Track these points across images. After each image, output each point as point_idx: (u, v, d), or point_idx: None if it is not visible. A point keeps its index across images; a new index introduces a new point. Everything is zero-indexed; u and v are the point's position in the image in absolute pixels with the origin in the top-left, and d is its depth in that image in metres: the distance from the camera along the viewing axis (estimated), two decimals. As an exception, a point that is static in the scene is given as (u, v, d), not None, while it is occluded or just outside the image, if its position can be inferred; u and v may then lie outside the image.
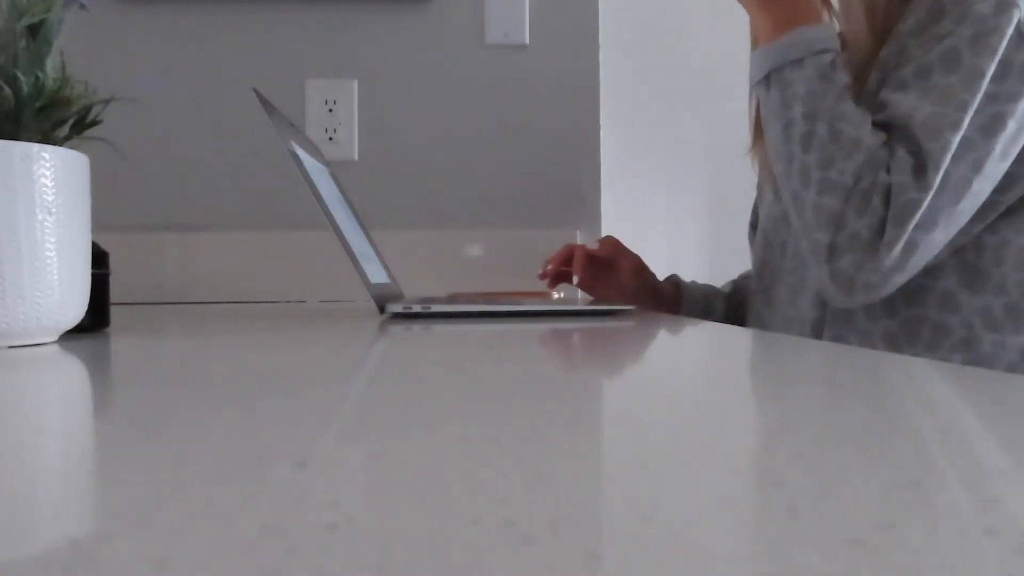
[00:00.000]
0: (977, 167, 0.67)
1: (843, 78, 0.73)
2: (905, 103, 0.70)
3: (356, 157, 1.37)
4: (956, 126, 0.67)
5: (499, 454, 0.16)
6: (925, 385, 0.26)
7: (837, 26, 0.85)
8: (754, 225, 1.02)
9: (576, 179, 1.40)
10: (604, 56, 1.41)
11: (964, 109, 0.67)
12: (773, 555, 0.10)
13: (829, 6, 0.86)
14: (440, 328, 0.56)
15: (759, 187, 0.98)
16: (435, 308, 0.70)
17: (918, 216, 0.67)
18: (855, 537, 0.11)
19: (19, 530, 0.11)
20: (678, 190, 1.69)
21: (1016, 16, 0.67)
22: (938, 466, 0.15)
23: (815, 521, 0.12)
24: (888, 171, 0.69)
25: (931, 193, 0.67)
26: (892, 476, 0.14)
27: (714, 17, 1.56)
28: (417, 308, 0.70)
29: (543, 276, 1.04)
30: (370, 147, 1.38)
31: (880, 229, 0.68)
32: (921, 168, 0.67)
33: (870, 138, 0.70)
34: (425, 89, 1.38)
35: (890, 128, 0.71)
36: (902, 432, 0.18)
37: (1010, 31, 0.67)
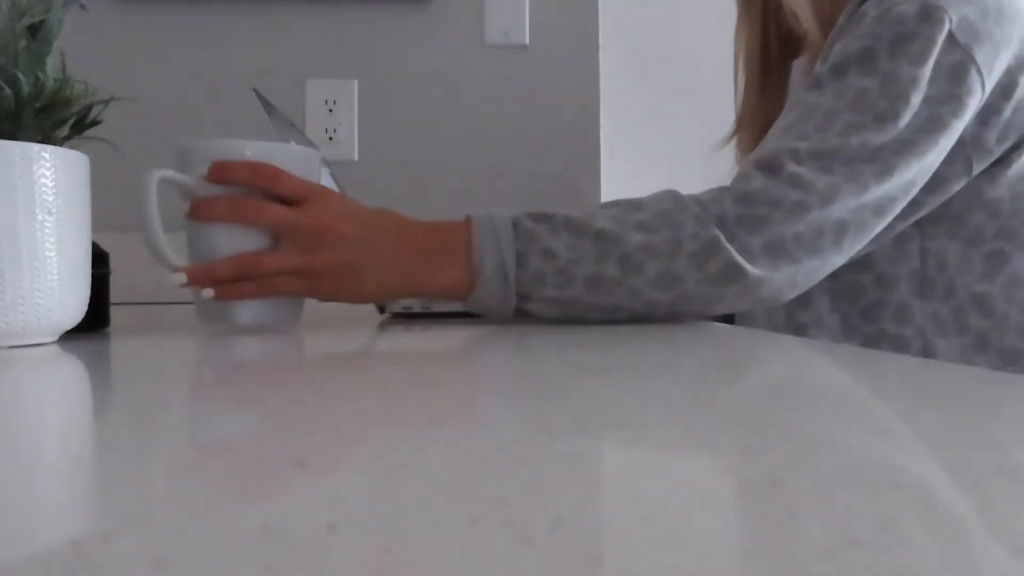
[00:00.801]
0: (919, 158, 0.64)
1: (544, 215, 0.60)
2: (820, 108, 0.65)
3: (356, 157, 1.37)
4: (875, 132, 0.63)
5: (499, 454, 0.16)
6: (925, 385, 0.26)
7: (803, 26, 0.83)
8: None
9: (576, 179, 1.40)
10: (604, 56, 1.41)
11: (883, 119, 0.63)
12: (773, 555, 0.10)
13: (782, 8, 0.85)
14: (440, 328, 0.56)
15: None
16: (435, 308, 0.70)
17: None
18: (855, 537, 0.11)
19: (19, 530, 0.11)
20: (678, 190, 1.69)
21: (947, 24, 0.65)
22: (938, 466, 0.15)
23: (815, 521, 0.12)
24: (742, 183, 0.61)
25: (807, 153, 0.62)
26: (892, 476, 0.14)
27: (714, 17, 1.56)
28: (417, 308, 0.70)
29: None
30: (370, 147, 1.38)
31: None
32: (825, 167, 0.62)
33: (671, 204, 0.60)
34: (425, 89, 1.38)
35: (792, 129, 0.65)
36: (902, 432, 0.18)
37: (940, 37, 0.65)
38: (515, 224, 0.59)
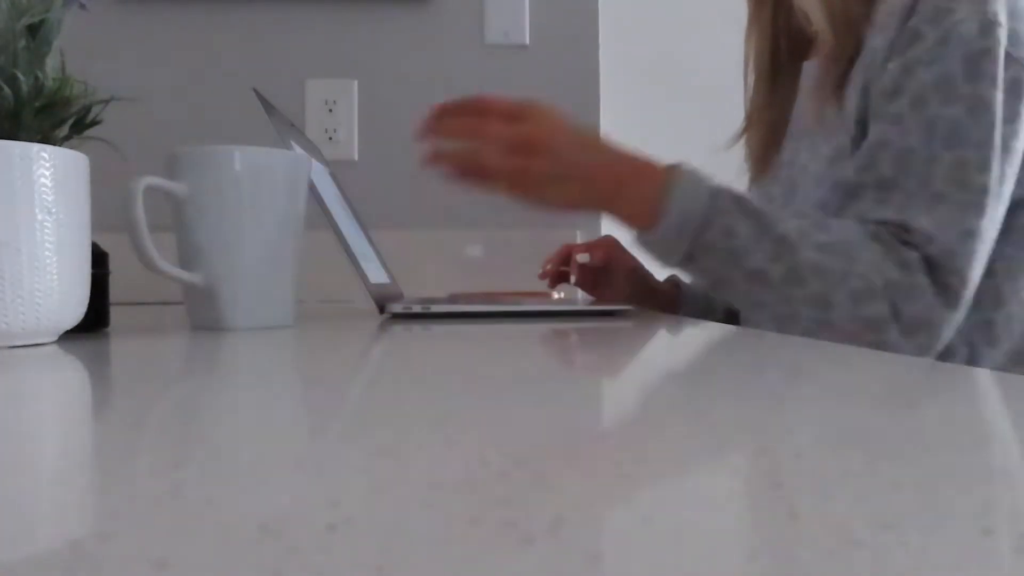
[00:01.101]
0: (1002, 179, 0.66)
1: (755, 202, 0.65)
2: (917, 153, 0.65)
3: (356, 157, 1.37)
4: (983, 167, 0.64)
5: (499, 454, 0.16)
6: (925, 385, 0.26)
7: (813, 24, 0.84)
8: None
9: (576, 179, 1.40)
10: (604, 56, 1.41)
11: (983, 147, 0.64)
12: (773, 555, 0.10)
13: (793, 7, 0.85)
14: (440, 328, 0.56)
15: (748, 190, 0.98)
16: (435, 308, 0.70)
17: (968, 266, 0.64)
18: (855, 537, 0.11)
19: (19, 530, 0.11)
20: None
21: (1002, 35, 0.66)
22: (938, 466, 0.15)
23: (815, 521, 0.12)
24: (906, 251, 0.63)
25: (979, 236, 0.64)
26: (892, 476, 0.14)
27: (714, 17, 1.56)
28: (417, 308, 0.70)
29: (543, 276, 1.04)
30: (370, 147, 1.38)
31: (933, 300, 0.63)
32: (948, 215, 0.63)
33: (866, 256, 0.63)
34: (425, 89, 1.38)
35: (883, 180, 0.67)
36: (902, 432, 0.18)
37: (1001, 49, 0.65)
38: (713, 193, 0.63)
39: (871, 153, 0.69)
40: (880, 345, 0.63)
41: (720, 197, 0.63)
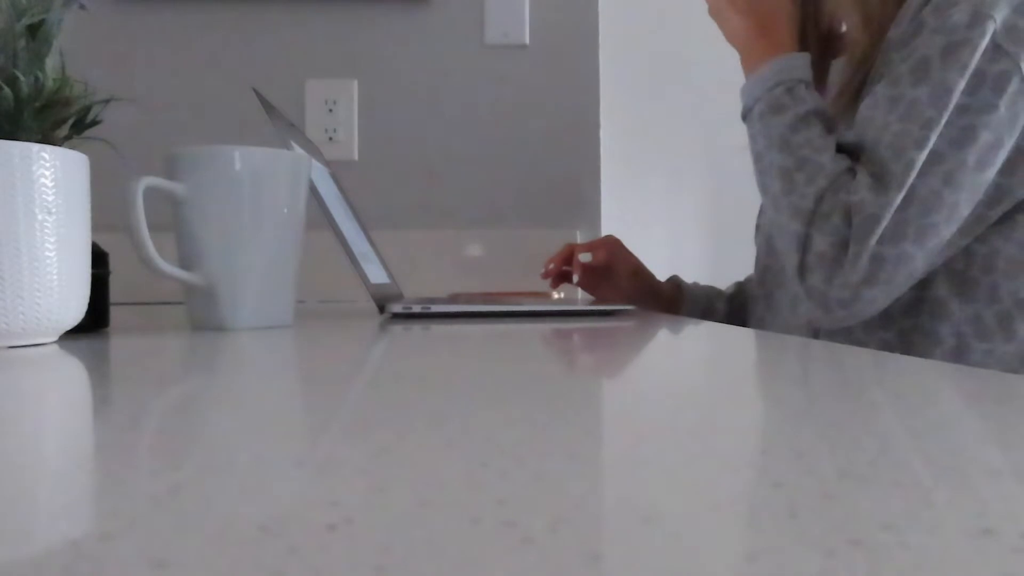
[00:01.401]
0: (948, 179, 0.68)
1: (802, 106, 0.77)
2: (874, 122, 0.72)
3: (356, 157, 1.37)
4: (920, 144, 0.68)
5: (499, 454, 0.16)
6: (925, 385, 0.26)
7: (844, 27, 0.86)
8: (760, 226, 1.02)
9: (576, 179, 1.40)
10: (604, 56, 1.41)
11: (929, 127, 0.68)
12: (773, 555, 0.10)
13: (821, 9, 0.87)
14: (440, 328, 0.56)
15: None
16: (435, 308, 0.70)
17: (879, 230, 0.69)
18: (855, 537, 0.11)
19: (19, 530, 0.11)
20: (678, 190, 1.69)
21: (991, 28, 0.67)
22: (938, 466, 0.15)
23: (815, 521, 0.12)
24: (849, 192, 0.71)
25: (892, 208, 0.68)
26: (892, 476, 0.14)
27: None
28: (417, 308, 0.70)
29: (546, 276, 1.04)
30: (370, 147, 1.38)
31: (843, 246, 0.71)
32: (882, 186, 0.69)
33: (832, 163, 0.73)
34: (425, 89, 1.38)
35: (859, 149, 0.73)
36: (902, 432, 0.18)
37: (983, 43, 0.67)
38: (792, 87, 0.79)
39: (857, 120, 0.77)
40: (803, 269, 0.73)
41: (797, 89, 0.79)
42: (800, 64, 0.80)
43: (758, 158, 0.80)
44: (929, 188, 0.68)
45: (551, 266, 1.03)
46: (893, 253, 0.69)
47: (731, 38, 0.86)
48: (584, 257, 0.99)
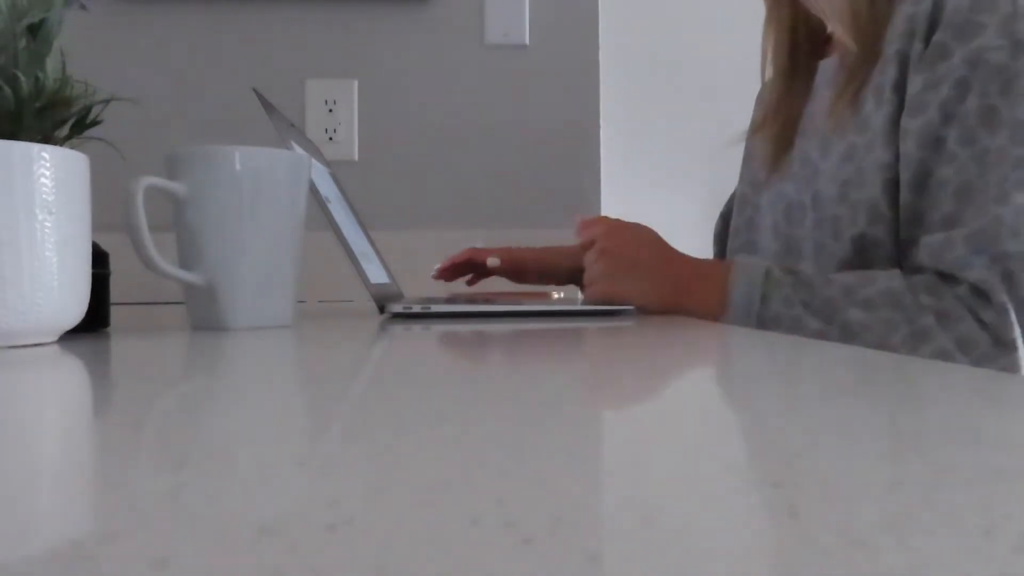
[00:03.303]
0: None
1: (805, 285, 0.72)
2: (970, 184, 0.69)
3: (356, 157, 1.37)
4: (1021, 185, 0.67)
5: (499, 454, 0.16)
6: (925, 385, 0.26)
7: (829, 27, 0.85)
8: (725, 218, 1.03)
9: (576, 179, 1.40)
10: (604, 56, 1.41)
11: (1021, 166, 0.67)
12: (773, 555, 0.10)
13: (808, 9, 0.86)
14: (440, 328, 0.56)
15: (752, 180, 0.98)
16: (435, 308, 0.70)
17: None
18: (855, 537, 0.11)
19: (19, 530, 0.11)
20: (678, 190, 1.69)
21: None
22: (938, 466, 0.15)
23: (815, 521, 0.12)
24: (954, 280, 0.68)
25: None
26: (892, 476, 0.14)
27: (714, 16, 1.56)
28: (417, 308, 0.70)
29: (438, 276, 1.07)
30: (370, 147, 1.38)
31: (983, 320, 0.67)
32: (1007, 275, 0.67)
33: (887, 281, 0.69)
34: (425, 89, 1.38)
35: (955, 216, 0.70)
36: (902, 432, 0.18)
37: None
38: (767, 272, 0.73)
39: (928, 188, 0.73)
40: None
41: (771, 274, 0.72)
42: (755, 262, 0.75)
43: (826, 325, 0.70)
44: None
45: (447, 264, 1.05)
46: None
47: (656, 298, 0.77)
48: (492, 262, 1.02)
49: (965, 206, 0.70)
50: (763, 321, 0.71)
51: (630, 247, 0.77)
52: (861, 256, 0.77)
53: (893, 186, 0.75)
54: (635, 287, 0.76)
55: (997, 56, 0.68)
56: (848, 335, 0.68)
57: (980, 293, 0.67)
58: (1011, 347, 0.67)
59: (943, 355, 0.67)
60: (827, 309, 0.69)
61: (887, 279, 0.70)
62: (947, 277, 0.70)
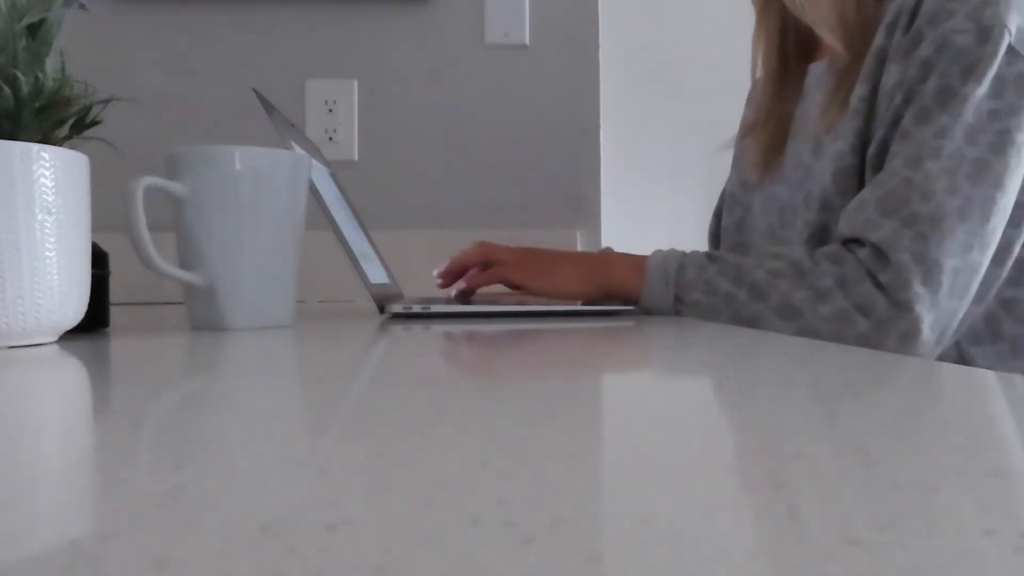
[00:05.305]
0: (997, 184, 0.67)
1: (713, 264, 0.74)
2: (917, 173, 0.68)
3: (356, 157, 1.37)
4: (935, 152, 0.67)
5: (499, 454, 0.16)
6: (924, 385, 0.26)
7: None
8: (719, 216, 1.03)
9: (576, 179, 1.40)
10: (604, 56, 1.41)
11: (943, 135, 0.67)
12: (773, 555, 0.10)
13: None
14: (440, 328, 0.56)
15: (742, 181, 0.97)
16: (435, 308, 0.70)
17: (948, 244, 0.66)
18: (855, 537, 0.11)
19: (19, 530, 0.11)
20: (678, 190, 1.69)
21: (1006, 38, 0.67)
22: (938, 466, 0.15)
23: (815, 521, 0.12)
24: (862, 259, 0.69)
25: (948, 222, 0.66)
26: (892, 476, 0.14)
27: (714, 17, 1.56)
28: (417, 308, 0.70)
29: (444, 285, 1.04)
30: (370, 147, 1.38)
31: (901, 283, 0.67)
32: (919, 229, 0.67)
33: (791, 255, 0.71)
34: (425, 89, 1.38)
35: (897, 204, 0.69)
36: (902, 432, 0.18)
37: (1001, 51, 0.67)
38: (683, 253, 0.77)
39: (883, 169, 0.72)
40: (863, 339, 0.67)
41: (688, 253, 0.76)
42: (660, 256, 0.77)
43: (730, 301, 0.73)
44: (983, 195, 0.67)
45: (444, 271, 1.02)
46: (965, 263, 0.67)
47: (582, 280, 0.80)
48: (459, 286, 1.01)
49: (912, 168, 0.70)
50: (680, 286, 0.74)
51: (527, 251, 0.82)
52: None
53: (844, 175, 0.76)
54: (559, 275, 0.80)
55: (962, 39, 0.68)
56: (756, 295, 0.71)
57: (880, 253, 0.67)
58: (906, 307, 0.66)
59: (843, 315, 0.67)
60: (737, 273, 0.72)
61: (795, 252, 0.73)
62: (854, 241, 0.70)
